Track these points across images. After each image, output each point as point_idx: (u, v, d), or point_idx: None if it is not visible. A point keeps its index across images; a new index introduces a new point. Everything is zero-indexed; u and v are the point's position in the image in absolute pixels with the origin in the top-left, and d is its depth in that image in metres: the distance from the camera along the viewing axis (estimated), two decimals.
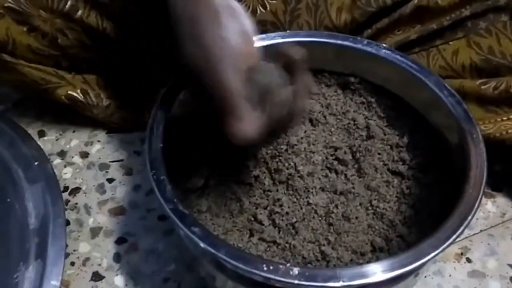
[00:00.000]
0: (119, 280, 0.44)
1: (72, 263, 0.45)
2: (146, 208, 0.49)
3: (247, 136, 0.33)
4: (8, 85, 0.54)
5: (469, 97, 0.47)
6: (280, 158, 0.42)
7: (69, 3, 0.46)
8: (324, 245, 0.39)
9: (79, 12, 0.46)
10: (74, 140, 0.55)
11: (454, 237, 0.32)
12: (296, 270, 0.30)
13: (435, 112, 0.42)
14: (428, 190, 0.42)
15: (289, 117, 0.36)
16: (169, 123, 0.40)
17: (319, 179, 0.43)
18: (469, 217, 0.33)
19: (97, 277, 0.45)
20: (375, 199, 0.42)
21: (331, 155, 0.44)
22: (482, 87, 0.47)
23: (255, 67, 0.35)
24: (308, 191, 0.42)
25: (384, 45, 0.45)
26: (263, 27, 0.49)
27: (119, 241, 0.47)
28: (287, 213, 0.41)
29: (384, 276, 0.31)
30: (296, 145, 0.43)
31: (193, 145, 0.44)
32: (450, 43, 0.50)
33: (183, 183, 0.42)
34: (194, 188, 0.42)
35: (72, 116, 0.55)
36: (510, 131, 0.45)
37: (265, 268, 0.30)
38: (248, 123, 0.33)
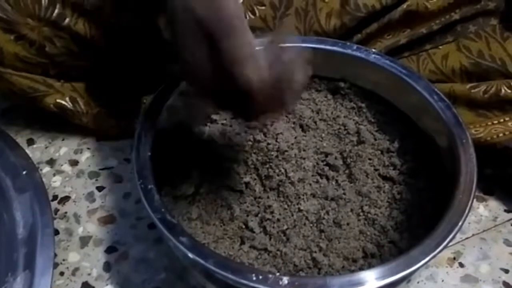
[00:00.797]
0: None
1: (61, 273, 0.45)
2: (136, 217, 0.49)
3: (264, 81, 0.31)
4: None
5: (459, 101, 0.47)
6: (271, 164, 0.42)
7: (56, 11, 0.46)
8: (315, 252, 0.39)
9: (67, 20, 0.46)
10: (63, 148, 0.55)
11: (445, 243, 0.32)
12: (285, 280, 0.30)
13: (425, 117, 0.42)
14: (419, 195, 0.42)
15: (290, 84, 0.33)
16: (158, 130, 0.40)
17: (310, 185, 0.42)
18: (460, 223, 0.33)
19: (87, 287, 0.44)
20: (366, 205, 0.41)
21: (322, 161, 0.44)
22: (472, 91, 0.47)
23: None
24: (299, 197, 0.41)
25: (373, 50, 0.45)
26: (252, 33, 0.49)
27: (109, 250, 0.46)
28: (278, 220, 0.40)
29: (376, 284, 0.31)
30: (286, 151, 0.43)
31: (183, 152, 0.44)
32: (440, 47, 0.50)
33: (173, 191, 0.41)
34: (184, 196, 0.42)
35: (61, 123, 0.54)
36: (500, 135, 0.45)
37: (254, 278, 0.30)
38: (263, 69, 0.31)
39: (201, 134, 0.46)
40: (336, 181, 0.43)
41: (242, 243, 0.40)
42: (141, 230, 0.48)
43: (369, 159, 0.44)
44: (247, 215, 0.41)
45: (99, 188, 0.51)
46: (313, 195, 0.42)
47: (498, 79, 0.47)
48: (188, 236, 0.32)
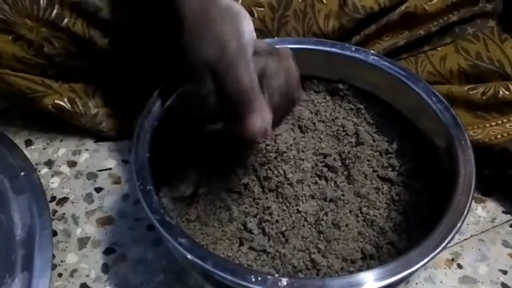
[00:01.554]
0: None
1: (60, 275, 0.45)
2: (134, 218, 0.49)
3: (265, 132, 0.33)
4: None
5: (457, 102, 0.47)
6: (270, 165, 0.42)
7: (54, 11, 0.45)
8: (314, 253, 0.39)
9: (65, 21, 0.46)
10: (62, 149, 0.55)
11: (443, 245, 0.32)
12: (284, 281, 0.30)
13: (424, 118, 0.42)
14: (418, 196, 0.42)
15: (283, 106, 0.35)
16: (157, 131, 0.40)
17: (309, 186, 0.42)
18: (458, 225, 0.33)
19: None
20: (365, 206, 0.41)
21: (321, 162, 0.44)
22: (470, 92, 0.47)
23: (267, 68, 0.35)
24: (298, 198, 0.41)
25: (372, 51, 0.45)
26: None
27: (107, 251, 0.46)
28: (276, 221, 0.40)
29: (374, 285, 0.30)
30: (285, 152, 0.43)
31: (182, 153, 0.43)
32: (438, 49, 0.50)
33: (172, 192, 0.41)
34: (183, 197, 0.41)
35: (59, 124, 0.54)
36: (498, 136, 0.46)
37: (253, 279, 0.30)
38: (267, 120, 0.33)
39: (200, 135, 0.46)
40: (335, 182, 0.43)
41: (241, 244, 0.40)
42: (140, 232, 0.48)
43: (368, 160, 0.44)
44: (246, 216, 0.41)
45: (98, 189, 0.51)
46: (312, 196, 0.42)
47: (496, 81, 0.47)
48: (187, 238, 0.32)
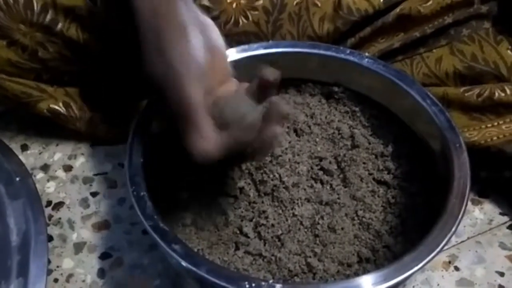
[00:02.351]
0: None
1: (56, 280, 0.45)
2: (130, 222, 0.48)
3: (206, 153, 0.33)
4: None
5: (453, 104, 0.47)
6: (265, 169, 0.42)
7: (48, 16, 0.45)
8: (310, 257, 0.39)
9: (59, 25, 0.46)
10: (58, 153, 0.55)
11: (438, 249, 0.32)
12: (278, 287, 0.30)
13: (419, 121, 0.42)
14: (414, 199, 0.42)
15: (258, 143, 0.34)
16: (151, 135, 0.40)
17: (304, 189, 0.42)
18: (453, 228, 0.33)
19: None
20: (360, 209, 0.41)
21: (316, 165, 0.44)
22: (466, 94, 0.47)
23: (224, 99, 0.34)
24: (294, 202, 0.41)
25: (367, 54, 0.45)
26: (246, 38, 0.49)
27: (103, 256, 0.46)
28: (272, 225, 0.40)
29: None
30: (280, 155, 0.43)
31: (176, 157, 0.43)
32: (434, 50, 0.50)
33: (167, 196, 0.41)
34: (178, 201, 0.41)
35: (55, 129, 0.54)
36: (494, 138, 0.45)
37: (247, 286, 0.30)
38: (208, 141, 0.33)
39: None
40: (331, 185, 0.43)
41: (237, 248, 0.40)
42: (136, 236, 0.47)
43: (363, 163, 0.44)
44: (242, 220, 0.41)
45: (93, 194, 0.51)
46: (308, 200, 0.42)
47: (492, 82, 0.47)
48: (181, 244, 0.32)
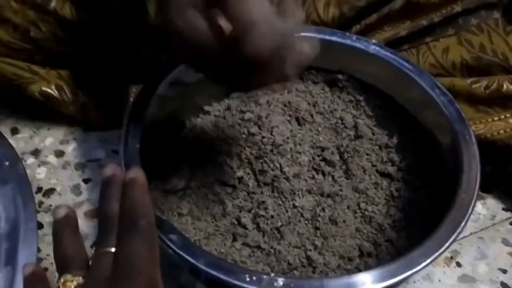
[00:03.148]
0: None
1: (46, 269, 0.43)
2: None
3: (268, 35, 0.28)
4: None
5: (459, 96, 0.46)
6: (265, 158, 0.41)
7: None
8: (310, 250, 0.38)
9: (53, 4, 0.44)
10: (49, 138, 0.53)
11: (446, 244, 0.31)
12: (280, 281, 0.29)
13: (426, 111, 0.41)
14: (418, 192, 0.41)
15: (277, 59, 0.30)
16: (147, 121, 0.39)
17: (306, 180, 0.41)
18: (462, 224, 0.32)
19: None
20: (363, 202, 0.41)
21: (318, 156, 0.43)
22: (473, 86, 0.46)
23: None
24: (294, 193, 0.40)
25: (373, 41, 0.44)
26: None
27: None
28: (272, 216, 0.39)
29: (374, 287, 0.29)
30: (281, 145, 0.42)
31: (174, 144, 0.42)
32: (441, 40, 0.49)
33: (163, 185, 0.40)
34: (175, 190, 0.40)
35: (47, 112, 0.53)
36: (501, 131, 0.45)
37: (247, 279, 0.29)
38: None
39: (193, 125, 0.44)
40: (333, 177, 0.42)
41: (235, 240, 0.39)
42: None
43: (367, 154, 0.43)
44: (240, 211, 0.40)
45: (86, 181, 0.50)
46: (309, 191, 0.41)
47: (500, 74, 0.46)
48: (178, 234, 0.31)
